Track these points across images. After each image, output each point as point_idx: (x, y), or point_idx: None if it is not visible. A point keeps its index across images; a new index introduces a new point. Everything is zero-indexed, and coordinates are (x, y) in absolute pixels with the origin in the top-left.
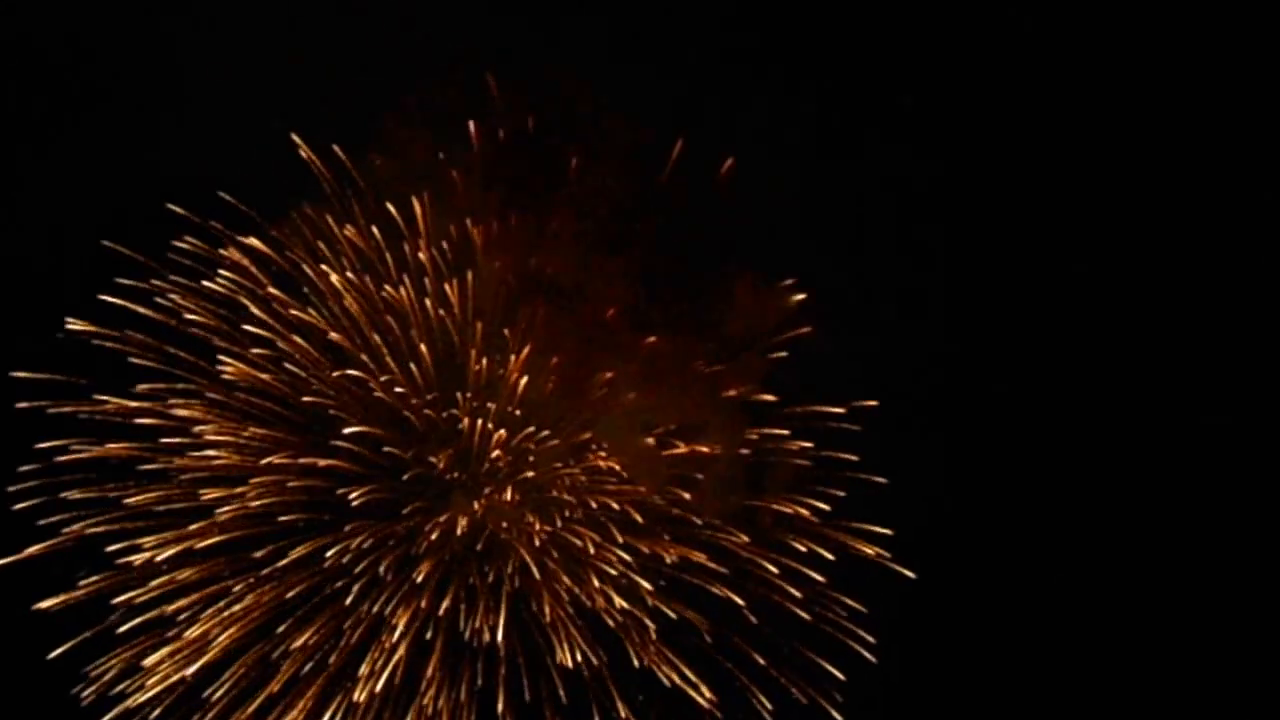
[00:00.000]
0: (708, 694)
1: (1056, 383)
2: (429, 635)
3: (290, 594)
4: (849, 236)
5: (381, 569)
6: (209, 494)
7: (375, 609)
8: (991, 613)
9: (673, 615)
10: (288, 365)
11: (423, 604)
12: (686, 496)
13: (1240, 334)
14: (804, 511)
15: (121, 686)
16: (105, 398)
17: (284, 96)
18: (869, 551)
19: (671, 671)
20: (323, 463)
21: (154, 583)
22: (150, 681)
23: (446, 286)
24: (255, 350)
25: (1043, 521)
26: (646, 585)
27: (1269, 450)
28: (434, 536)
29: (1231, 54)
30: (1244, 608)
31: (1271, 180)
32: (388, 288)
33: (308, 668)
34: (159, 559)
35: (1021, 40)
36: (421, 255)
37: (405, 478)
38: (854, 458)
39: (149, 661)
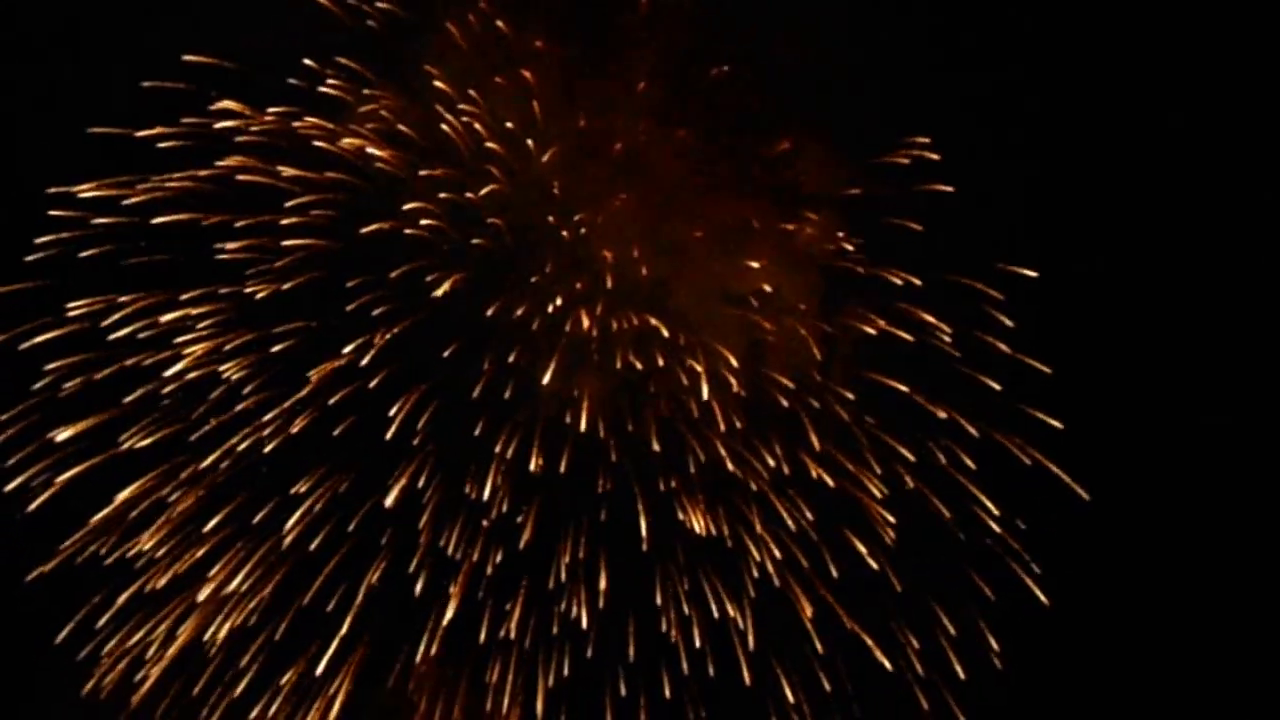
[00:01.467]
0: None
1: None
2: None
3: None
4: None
5: (467, 489)
6: (237, 409)
7: (449, 548)
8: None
9: (814, 536)
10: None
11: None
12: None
13: (1240, 334)
14: (932, 408)
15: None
16: (94, 302)
17: None
18: (1026, 460)
19: (806, 602)
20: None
21: (162, 536)
22: (170, 650)
23: (500, 149)
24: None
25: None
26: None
27: (1269, 450)
28: (509, 453)
29: (1231, 54)
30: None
31: (1271, 180)
32: (442, 167)
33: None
34: (176, 510)
35: (1021, 40)
36: (475, 114)
37: (476, 391)
38: (1006, 349)
39: (166, 625)
